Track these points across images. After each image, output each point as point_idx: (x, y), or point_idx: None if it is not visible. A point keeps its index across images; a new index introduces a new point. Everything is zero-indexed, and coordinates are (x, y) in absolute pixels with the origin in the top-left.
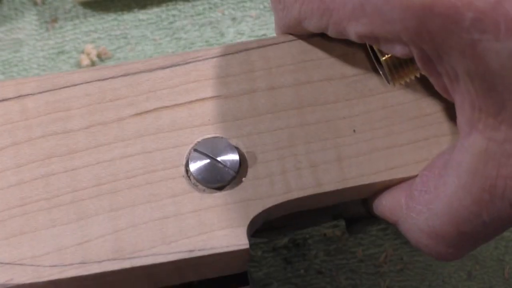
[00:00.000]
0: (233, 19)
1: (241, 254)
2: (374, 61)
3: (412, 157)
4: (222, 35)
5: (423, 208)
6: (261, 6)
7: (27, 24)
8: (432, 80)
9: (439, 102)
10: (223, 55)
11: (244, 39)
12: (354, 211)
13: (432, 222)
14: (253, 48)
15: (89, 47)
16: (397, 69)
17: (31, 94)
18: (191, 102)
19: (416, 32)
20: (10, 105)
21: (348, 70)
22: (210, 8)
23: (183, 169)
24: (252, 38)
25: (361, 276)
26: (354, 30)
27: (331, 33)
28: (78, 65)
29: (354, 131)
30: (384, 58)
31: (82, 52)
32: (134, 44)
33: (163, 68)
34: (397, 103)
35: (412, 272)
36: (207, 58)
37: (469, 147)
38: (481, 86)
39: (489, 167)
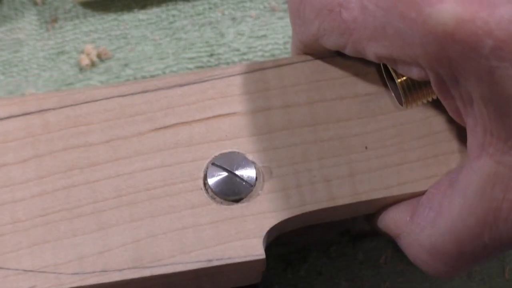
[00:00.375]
0: (233, 19)
1: (257, 264)
2: (387, 81)
3: (422, 173)
4: (222, 35)
5: (426, 224)
6: (261, 6)
7: (27, 24)
8: (445, 103)
9: (447, 121)
10: (239, 74)
11: (244, 39)
12: (360, 228)
13: (434, 239)
14: (268, 68)
15: (89, 47)
16: (411, 91)
17: (52, 109)
18: (208, 118)
19: (435, 57)
20: (32, 119)
21: (360, 89)
22: (210, 8)
23: (201, 182)
24: (252, 39)
25: (362, 277)
26: (373, 51)
27: (348, 51)
28: (78, 65)
29: (366, 148)
30: (399, 80)
31: (82, 52)
32: (134, 44)
33: (180, 85)
34: (407, 121)
35: (412, 273)
36: (223, 77)
37: (478, 169)
38: (495, 111)
39: (496, 190)
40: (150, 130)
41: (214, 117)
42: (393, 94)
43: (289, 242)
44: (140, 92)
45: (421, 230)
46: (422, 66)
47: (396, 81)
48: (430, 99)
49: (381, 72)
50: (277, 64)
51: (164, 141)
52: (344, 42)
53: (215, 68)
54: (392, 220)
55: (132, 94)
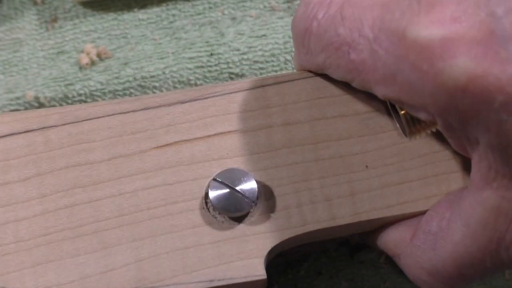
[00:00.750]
0: (233, 19)
1: (258, 284)
2: (391, 110)
3: (422, 192)
4: (222, 35)
5: (427, 248)
6: (261, 6)
7: (27, 24)
8: (451, 141)
9: (446, 140)
10: (240, 90)
11: (244, 39)
12: (359, 239)
13: (435, 262)
14: (269, 85)
15: (89, 46)
16: (415, 124)
17: (54, 126)
18: (209, 136)
19: (444, 106)
20: (34, 136)
21: (361, 107)
22: (210, 8)
23: (202, 201)
24: (252, 38)
25: (362, 277)
26: (381, 93)
27: (356, 85)
28: (78, 64)
29: (366, 166)
30: (403, 112)
31: (82, 51)
32: (134, 43)
33: (182, 102)
34: (408, 140)
35: None
36: (224, 94)
37: (482, 201)
38: (501, 155)
39: (500, 222)
40: (152, 148)
41: (215, 135)
42: (397, 125)
43: (288, 253)
44: (142, 109)
45: (422, 253)
46: (431, 112)
47: (400, 113)
48: (434, 130)
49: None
50: (278, 81)
51: (165, 159)
52: (351, 78)
53: (217, 85)
54: (392, 240)
55: (134, 111)
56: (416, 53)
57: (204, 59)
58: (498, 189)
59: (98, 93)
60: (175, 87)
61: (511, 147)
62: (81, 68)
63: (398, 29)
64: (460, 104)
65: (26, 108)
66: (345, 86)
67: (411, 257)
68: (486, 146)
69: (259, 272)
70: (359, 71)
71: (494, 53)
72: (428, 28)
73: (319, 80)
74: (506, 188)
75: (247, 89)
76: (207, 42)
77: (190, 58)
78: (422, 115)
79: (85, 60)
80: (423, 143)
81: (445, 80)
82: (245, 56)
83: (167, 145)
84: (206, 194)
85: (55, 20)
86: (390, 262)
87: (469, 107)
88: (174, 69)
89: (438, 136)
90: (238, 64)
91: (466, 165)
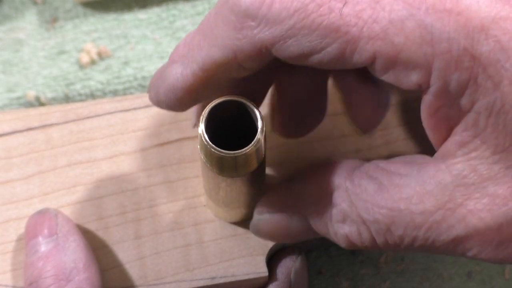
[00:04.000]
0: None
1: (259, 281)
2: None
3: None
4: None
5: (369, 190)
6: None
7: (28, 24)
8: (432, 116)
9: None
10: None
11: None
12: None
13: (369, 205)
14: None
15: (89, 46)
16: None
17: (55, 124)
18: None
19: (459, 55)
20: (35, 134)
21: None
22: (210, 8)
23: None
24: None
25: (362, 277)
26: (373, 50)
27: (322, 57)
28: (78, 64)
29: None
30: None
31: (82, 50)
32: (134, 43)
33: None
34: (409, 137)
35: (412, 273)
36: None
37: (450, 165)
38: (495, 122)
39: (457, 193)
40: (153, 146)
41: None
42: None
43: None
44: (143, 107)
45: (358, 195)
46: (430, 70)
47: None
48: None
49: None
50: None
51: (167, 156)
52: (325, 44)
53: None
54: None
55: (135, 108)
56: None
57: None
58: (473, 159)
59: (99, 93)
60: None
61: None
62: (81, 67)
63: None
64: (479, 50)
65: (27, 108)
66: None
67: (341, 198)
68: (482, 111)
69: (261, 269)
70: (346, 28)
71: None
72: None
73: None
74: (484, 161)
75: None
76: None
77: None
78: (413, 79)
79: (85, 58)
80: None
81: (470, 18)
82: None
83: (168, 142)
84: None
85: (55, 20)
86: (390, 262)
87: (487, 55)
88: None
89: None
90: None
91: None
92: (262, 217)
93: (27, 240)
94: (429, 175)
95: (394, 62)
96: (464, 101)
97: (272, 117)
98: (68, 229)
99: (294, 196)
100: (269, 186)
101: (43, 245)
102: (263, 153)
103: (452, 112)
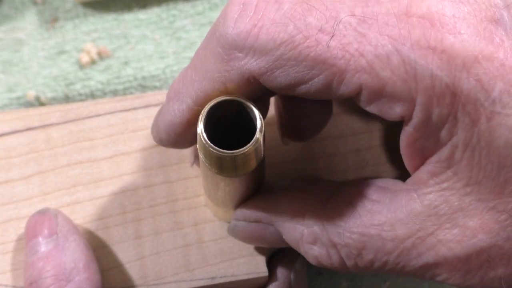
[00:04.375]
0: None
1: (259, 281)
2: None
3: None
4: None
5: (341, 215)
6: None
7: (28, 24)
8: (410, 145)
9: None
10: None
11: None
12: None
13: (341, 229)
14: None
15: (89, 45)
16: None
17: (55, 124)
18: None
19: (441, 91)
20: (35, 134)
21: None
22: (210, 8)
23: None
24: None
25: (362, 277)
26: (359, 82)
27: (309, 88)
28: (78, 64)
29: (367, 163)
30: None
31: (82, 50)
32: (135, 43)
33: None
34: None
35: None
36: None
37: (422, 195)
38: (471, 156)
39: (428, 223)
40: (153, 146)
41: None
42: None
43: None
44: (143, 107)
45: (331, 218)
46: (413, 104)
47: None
48: None
49: None
50: None
51: (167, 157)
52: (312, 75)
53: None
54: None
55: (135, 108)
56: (424, 29)
57: None
58: (445, 190)
59: (99, 93)
60: None
61: (488, 149)
62: (81, 67)
63: (399, 8)
64: (459, 88)
65: (27, 108)
66: None
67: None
68: (459, 144)
69: (261, 269)
70: (333, 61)
71: (499, 39)
72: (437, 1)
73: None
74: (453, 191)
75: None
76: None
77: (191, 57)
78: (397, 111)
79: (85, 58)
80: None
81: (453, 56)
82: None
83: None
84: None
85: (55, 20)
86: None
87: (467, 92)
88: (175, 68)
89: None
90: None
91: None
92: (238, 223)
93: (27, 240)
94: (401, 203)
95: (379, 95)
96: (443, 134)
97: (278, 121)
98: (68, 229)
99: (270, 209)
100: (267, 187)
101: (43, 245)
102: (262, 153)
103: (429, 143)
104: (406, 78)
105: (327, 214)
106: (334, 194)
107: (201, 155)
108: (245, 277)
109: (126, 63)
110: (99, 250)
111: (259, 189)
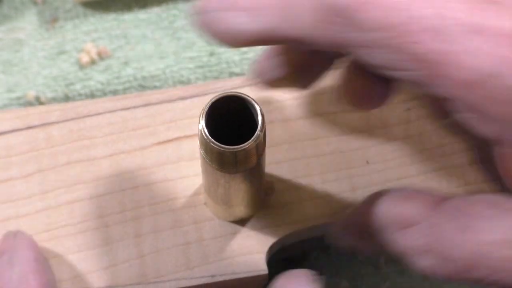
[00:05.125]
0: None
1: (260, 279)
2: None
3: (422, 188)
4: None
5: (452, 225)
6: None
7: (27, 24)
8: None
9: (446, 135)
10: (241, 87)
11: None
12: None
13: (450, 243)
14: None
15: (89, 45)
16: None
17: (55, 122)
18: None
19: None
20: (35, 133)
21: None
22: None
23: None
24: None
25: (362, 277)
26: (458, 93)
27: (403, 77)
28: (78, 64)
29: (367, 162)
30: None
31: (82, 50)
32: (134, 43)
33: (183, 99)
34: (408, 135)
35: (412, 273)
36: (225, 90)
37: None
38: None
39: None
40: (153, 144)
41: None
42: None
43: (289, 251)
44: (143, 105)
45: (441, 227)
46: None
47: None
48: None
49: None
50: None
51: (167, 155)
52: (411, 67)
53: (217, 81)
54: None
55: (135, 107)
56: None
57: (205, 59)
58: None
59: (99, 93)
60: (175, 87)
61: None
62: (81, 67)
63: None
64: None
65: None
66: None
67: (424, 228)
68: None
69: (260, 267)
70: (436, 64)
71: None
72: None
73: None
74: None
75: (247, 85)
76: (207, 41)
77: (191, 57)
78: (489, 127)
79: (85, 58)
80: (423, 139)
81: None
82: (245, 56)
83: (168, 141)
84: None
85: (55, 20)
86: (390, 262)
87: None
88: (175, 68)
89: (436, 132)
90: (238, 63)
91: (465, 160)
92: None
93: None
94: None
95: (474, 110)
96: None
97: (343, 84)
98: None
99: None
100: (269, 185)
101: None
102: (263, 150)
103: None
104: (508, 101)
105: (439, 226)
106: (441, 206)
107: (201, 151)
108: (245, 275)
109: (126, 63)
110: (99, 248)
111: (259, 187)
